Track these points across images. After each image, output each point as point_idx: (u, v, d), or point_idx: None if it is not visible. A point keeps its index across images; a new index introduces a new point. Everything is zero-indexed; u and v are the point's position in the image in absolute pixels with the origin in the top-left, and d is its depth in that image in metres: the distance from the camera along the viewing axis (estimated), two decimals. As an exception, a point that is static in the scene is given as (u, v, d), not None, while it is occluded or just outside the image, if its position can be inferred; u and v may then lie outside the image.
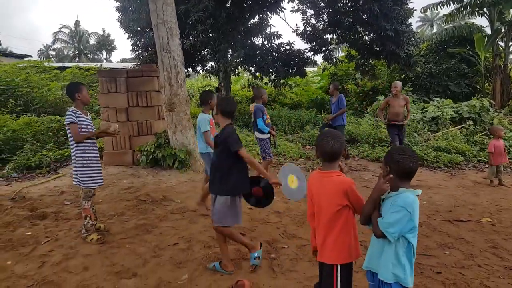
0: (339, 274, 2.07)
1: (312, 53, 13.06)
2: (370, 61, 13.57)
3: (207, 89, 21.44)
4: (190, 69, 15.18)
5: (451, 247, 3.71)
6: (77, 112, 3.84)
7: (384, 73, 15.60)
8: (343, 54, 16.50)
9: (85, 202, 3.91)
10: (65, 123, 3.83)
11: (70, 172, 6.96)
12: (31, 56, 20.25)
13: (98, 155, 4.07)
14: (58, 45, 44.09)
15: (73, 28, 43.97)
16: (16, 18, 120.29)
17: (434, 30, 20.94)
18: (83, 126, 3.86)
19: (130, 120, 7.45)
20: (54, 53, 43.89)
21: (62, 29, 43.66)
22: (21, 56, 19.74)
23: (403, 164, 1.88)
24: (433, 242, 3.84)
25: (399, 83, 6.91)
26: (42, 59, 26.27)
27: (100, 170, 4.04)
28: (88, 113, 4.10)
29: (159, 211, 4.85)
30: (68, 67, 15.82)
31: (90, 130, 3.95)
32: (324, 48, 12.88)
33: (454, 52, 14.45)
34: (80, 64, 18.70)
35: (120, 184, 6.22)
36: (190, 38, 12.38)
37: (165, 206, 5.07)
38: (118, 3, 13.26)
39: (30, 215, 4.76)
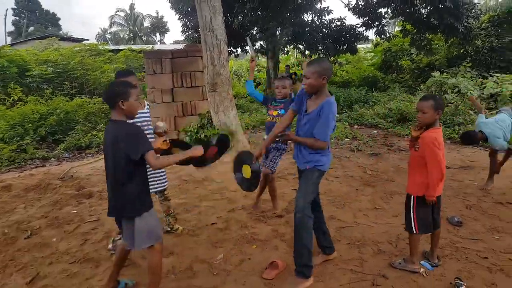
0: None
1: (364, 28, 12.39)
2: (427, 35, 12.62)
3: (257, 68, 21.20)
4: (239, 49, 15.12)
5: (501, 231, 3.42)
6: None
7: (441, 48, 14.45)
8: (398, 28, 15.51)
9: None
10: None
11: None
12: (87, 40, 21.31)
13: None
14: (114, 28, 46.05)
15: (128, 11, 45.56)
16: (77, 4, 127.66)
17: (500, 0, 18.88)
18: (142, 122, 3.22)
19: (175, 101, 7.58)
20: (111, 37, 45.97)
21: (118, 13, 45.45)
22: (78, 40, 20.82)
23: None
24: (481, 226, 3.58)
25: None
26: (100, 42, 27.55)
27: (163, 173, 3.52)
28: (146, 103, 3.43)
29: (200, 191, 4.92)
30: (122, 50, 16.43)
31: (149, 124, 3.36)
32: (377, 23, 12.15)
33: (520, 24, 12.90)
34: (133, 47, 19.32)
35: (165, 163, 6.37)
36: (239, 17, 12.29)
37: (205, 186, 5.14)
38: (169, -17, 13.44)
39: (76, 194, 4.93)
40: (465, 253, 3.07)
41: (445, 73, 11.79)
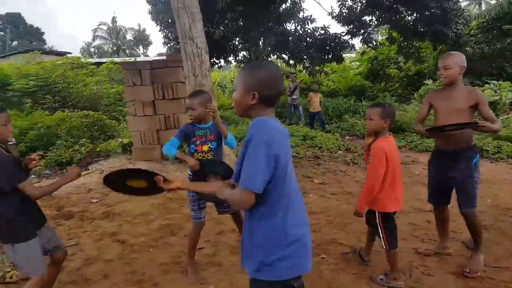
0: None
1: (349, 36, 12.22)
2: (414, 43, 12.54)
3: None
4: (222, 60, 14.84)
5: (531, 256, 3.04)
6: None
7: (429, 56, 14.44)
8: (382, 37, 15.49)
9: None
10: None
11: (100, 169, 6.85)
12: (71, 53, 20.80)
13: None
14: (97, 42, 45.73)
15: (110, 25, 45.26)
16: (61, 18, 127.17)
17: (483, 9, 19.15)
18: None
19: (157, 113, 7.22)
20: (94, 50, 45.55)
21: (100, 26, 45.16)
22: (61, 54, 20.29)
23: None
24: (504, 250, 3.18)
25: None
26: (84, 55, 27.05)
27: None
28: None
29: (186, 210, 4.50)
30: (105, 63, 16.05)
31: None
32: (362, 31, 11.99)
33: (510, 29, 12.97)
34: (116, 59, 18.96)
35: (147, 180, 5.98)
36: (221, 27, 12.02)
37: (191, 205, 4.75)
38: (148, -5, 13.14)
39: (56, 214, 4.59)
40: (492, 284, 2.68)
41: (437, 81, 11.69)
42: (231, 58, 15.10)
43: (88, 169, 6.89)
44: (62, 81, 12.14)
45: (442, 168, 2.91)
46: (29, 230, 2.30)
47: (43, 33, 49.28)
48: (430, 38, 11.39)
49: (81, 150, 7.77)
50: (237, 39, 13.53)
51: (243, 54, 14.82)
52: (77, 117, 9.50)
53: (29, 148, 8.07)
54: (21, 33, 45.20)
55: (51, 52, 22.74)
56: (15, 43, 42.67)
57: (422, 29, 11.22)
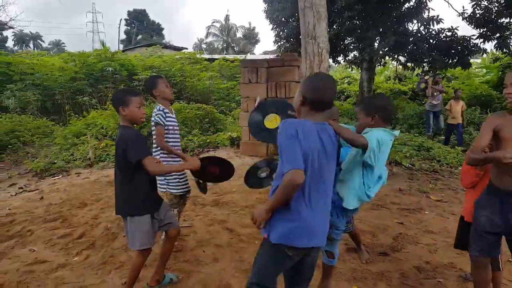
0: None
1: (481, 40, 10.89)
2: None
3: (347, 81, 20.34)
4: (330, 60, 14.56)
5: None
6: (165, 111, 3.34)
7: None
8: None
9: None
10: (152, 123, 3.35)
11: (210, 158, 7.26)
12: (186, 48, 22.60)
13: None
14: (210, 38, 48.69)
15: (223, 22, 47.86)
16: (180, 15, 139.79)
17: None
18: (170, 127, 3.39)
19: (268, 111, 7.35)
20: (206, 46, 48.73)
21: (214, 23, 48.03)
22: (178, 49, 22.16)
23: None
24: None
25: None
26: (197, 51, 29.29)
27: (185, 177, 3.50)
28: (173, 111, 3.61)
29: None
30: (216, 59, 17.05)
31: (176, 128, 3.51)
32: (498, 35, 10.57)
33: None
34: (227, 56, 19.99)
35: (254, 175, 6.14)
36: (334, 26, 11.79)
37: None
38: (266, -6, 13.51)
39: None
40: None
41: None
42: (340, 58, 14.74)
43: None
44: (180, 75, 13.23)
45: (502, 213, 2.22)
46: (145, 207, 2.48)
47: (162, 29, 54.52)
48: None
49: (194, 140, 8.34)
50: (350, 38, 13.15)
51: (353, 54, 14.35)
52: (191, 109, 10.23)
53: (149, 134, 8.93)
54: (144, 28, 50.54)
55: (169, 46, 24.92)
56: (139, 37, 48.10)
57: None
